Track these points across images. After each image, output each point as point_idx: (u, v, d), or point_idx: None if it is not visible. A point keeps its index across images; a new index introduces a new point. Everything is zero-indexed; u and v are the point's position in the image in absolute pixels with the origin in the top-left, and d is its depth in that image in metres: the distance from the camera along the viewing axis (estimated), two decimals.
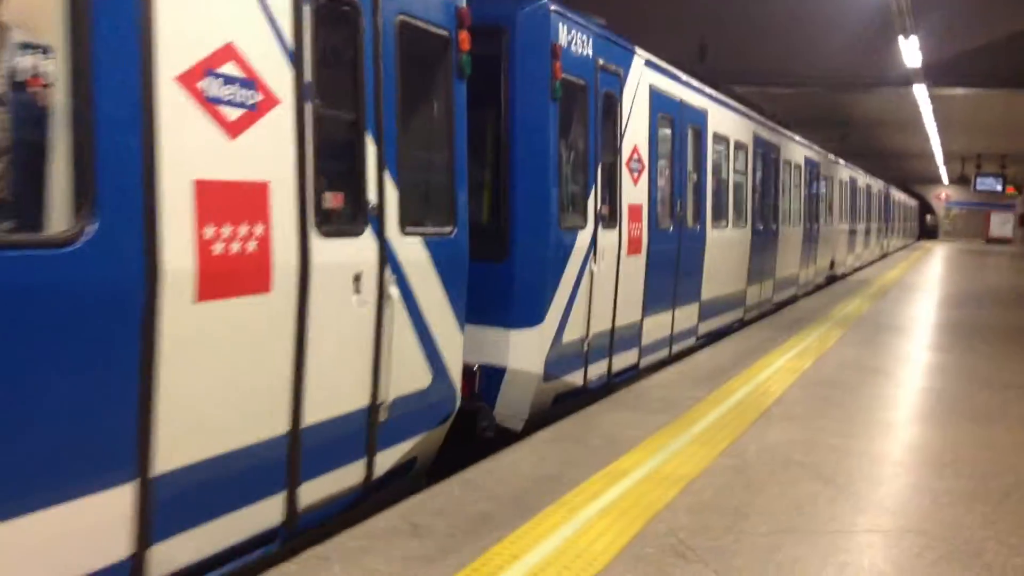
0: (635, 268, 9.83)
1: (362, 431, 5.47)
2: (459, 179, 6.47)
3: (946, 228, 74.67)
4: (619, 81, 9.28)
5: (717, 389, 9.46)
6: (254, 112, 4.48)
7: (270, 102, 4.58)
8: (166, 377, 4.00)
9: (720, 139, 13.36)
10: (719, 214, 13.44)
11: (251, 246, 4.43)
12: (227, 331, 4.33)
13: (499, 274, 7.67)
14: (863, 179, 32.08)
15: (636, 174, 9.78)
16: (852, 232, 29.25)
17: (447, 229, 6.33)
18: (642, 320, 10.20)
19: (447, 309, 6.31)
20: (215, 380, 4.29)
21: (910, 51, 20.10)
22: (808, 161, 20.80)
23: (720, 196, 13.56)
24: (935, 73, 22.46)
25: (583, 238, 8.42)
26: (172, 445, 4.07)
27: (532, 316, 7.77)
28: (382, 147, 5.46)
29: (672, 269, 11.15)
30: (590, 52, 8.56)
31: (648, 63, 10.12)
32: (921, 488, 6.59)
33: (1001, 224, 71.67)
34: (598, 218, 8.71)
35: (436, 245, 6.11)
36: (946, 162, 55.92)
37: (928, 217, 74.58)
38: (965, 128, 37.75)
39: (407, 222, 5.77)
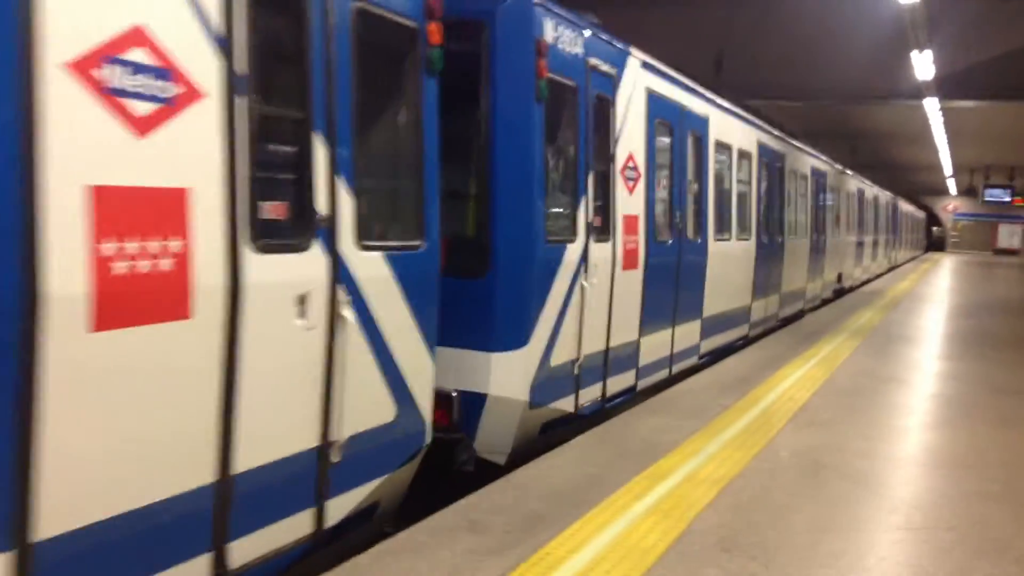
0: (631, 284, 9.15)
1: (309, 476, 4.77)
2: (429, 187, 5.81)
3: (953, 240, 73.89)
4: (613, 83, 8.62)
5: (743, 397, 9.71)
6: (170, 107, 3.81)
7: (191, 96, 3.92)
8: (52, 424, 3.32)
9: (723, 147, 12.69)
10: (722, 226, 12.77)
11: (165, 264, 3.76)
12: (133, 365, 3.65)
13: (479, 292, 7.00)
14: (871, 191, 31.39)
15: (631, 183, 9.10)
16: (860, 244, 28.56)
17: (415, 243, 5.67)
18: (639, 339, 9.52)
19: (414, 333, 5.64)
20: (118, 424, 3.61)
21: (923, 64, 19.59)
22: (815, 171, 20.11)
23: (723, 207, 12.89)
24: (947, 86, 21.97)
25: (572, 252, 7.74)
26: (58, 507, 3.38)
27: (515, 338, 7.09)
28: (334, 150, 4.79)
29: (672, 284, 10.47)
30: (580, 51, 7.89)
31: (645, 65, 9.46)
32: (948, 488, 6.85)
33: (1009, 236, 70.88)
34: (589, 230, 8.03)
35: (401, 261, 5.44)
36: (955, 173, 55.30)
37: (935, 229, 73.84)
38: (975, 140, 37.17)
39: (366, 235, 5.10)
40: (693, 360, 11.70)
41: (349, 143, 4.92)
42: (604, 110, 8.48)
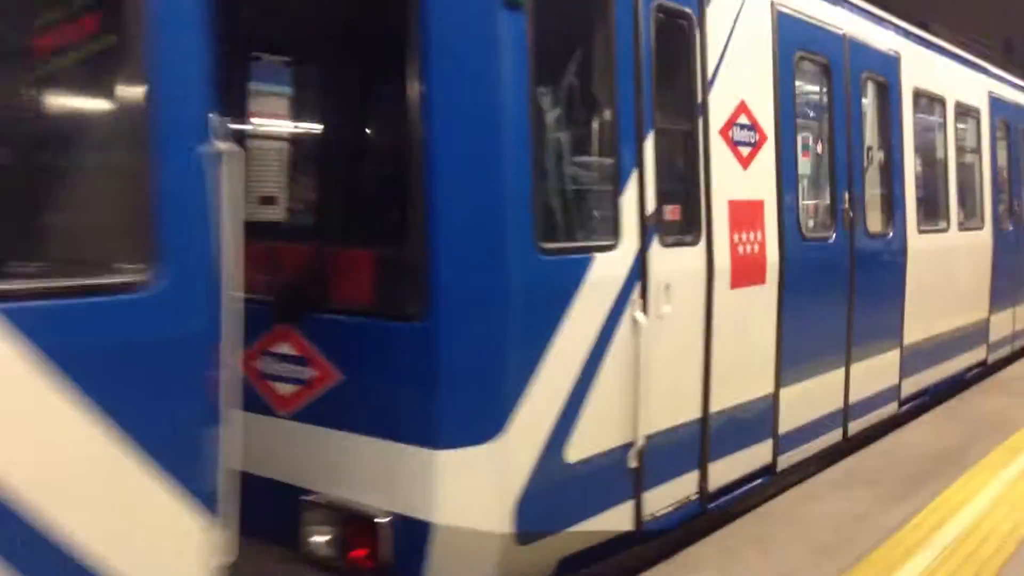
0: (751, 308, 5.82)
1: None
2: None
3: None
4: None
5: None
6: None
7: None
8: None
9: (928, 99, 8.93)
10: (933, 211, 9.01)
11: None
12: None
13: (413, 345, 4.02)
14: None
15: (746, 150, 5.79)
16: None
17: None
18: (776, 392, 6.15)
19: None
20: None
21: None
22: None
23: (934, 185, 9.13)
24: None
25: (608, 265, 4.59)
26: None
27: (481, 422, 4.05)
28: None
29: (838, 302, 6.97)
30: None
31: None
32: None
33: None
34: (649, 227, 4.84)
35: None
36: None
37: None
38: None
39: None
40: (891, 408, 8.07)
41: None
42: (678, 32, 5.24)
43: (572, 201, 4.56)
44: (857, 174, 7.25)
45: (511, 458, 4.08)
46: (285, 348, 4.37)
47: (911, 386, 8.42)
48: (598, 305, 4.52)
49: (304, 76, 5.18)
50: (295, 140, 5.37)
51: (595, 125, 4.69)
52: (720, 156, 5.50)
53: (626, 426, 4.74)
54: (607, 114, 4.68)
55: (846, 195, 7.03)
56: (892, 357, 7.99)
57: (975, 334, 10.19)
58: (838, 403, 7.07)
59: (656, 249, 4.90)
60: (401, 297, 4.04)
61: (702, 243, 5.31)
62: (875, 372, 7.65)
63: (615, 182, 4.67)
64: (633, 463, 4.81)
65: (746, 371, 5.83)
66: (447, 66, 3.94)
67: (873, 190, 7.78)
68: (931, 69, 8.95)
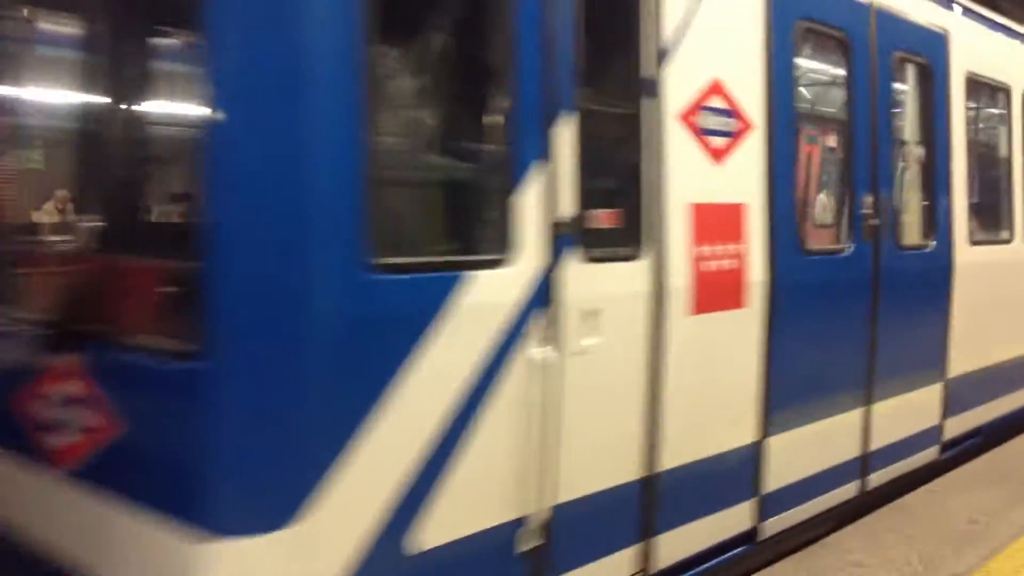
0: (724, 338, 4.64)
1: None
2: None
3: None
4: None
5: None
6: None
7: None
8: None
9: (987, 87, 7.56)
10: (992, 220, 7.64)
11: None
12: None
13: (186, 390, 2.99)
14: None
15: (719, 141, 4.61)
16: None
17: None
18: (762, 441, 4.96)
19: None
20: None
21: None
22: None
23: (994, 189, 7.75)
24: None
25: (490, 287, 3.48)
26: None
27: (273, 502, 2.99)
28: None
29: (853, 328, 5.72)
30: None
31: None
32: None
33: None
34: (560, 237, 3.72)
35: None
36: None
37: None
38: None
39: None
40: (929, 453, 6.75)
41: None
42: None
43: (433, 203, 3.48)
44: (884, 174, 5.97)
45: (317, 553, 3.01)
46: (65, 387, 3.39)
47: (957, 426, 7.08)
48: (473, 339, 3.42)
49: (73, 36, 4.18)
50: (63, 118, 4.40)
51: (477, 102, 3.58)
52: (679, 147, 4.34)
53: (519, 496, 3.63)
54: (497, 88, 3.57)
55: (868, 199, 5.77)
56: (932, 393, 6.68)
57: None
58: (853, 451, 5.82)
59: (574, 265, 3.78)
60: (178, 328, 3.02)
61: (647, 257, 4.16)
62: (907, 412, 6.35)
63: (506, 178, 3.55)
64: (530, 543, 3.70)
65: (715, 416, 4.65)
66: (231, 17, 2.89)
67: (910, 194, 6.49)
68: (990, 51, 7.57)
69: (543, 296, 3.66)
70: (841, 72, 5.71)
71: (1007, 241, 7.81)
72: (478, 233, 3.59)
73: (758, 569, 5.03)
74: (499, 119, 3.57)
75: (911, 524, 5.69)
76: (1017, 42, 8.21)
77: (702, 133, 4.50)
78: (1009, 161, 7.93)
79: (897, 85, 6.27)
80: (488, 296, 3.46)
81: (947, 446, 6.99)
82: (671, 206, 4.28)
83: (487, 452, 3.46)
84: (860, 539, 5.44)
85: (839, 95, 5.74)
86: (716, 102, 4.58)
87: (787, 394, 5.06)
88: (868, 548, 5.30)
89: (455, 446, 3.36)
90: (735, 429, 4.80)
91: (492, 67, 3.58)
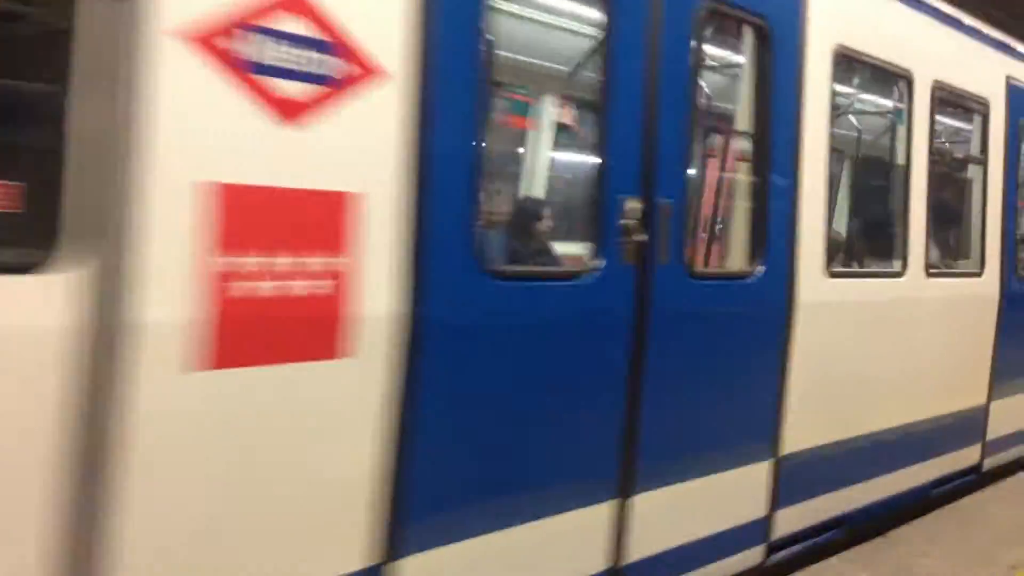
0: (289, 407, 2.87)
1: None
2: None
3: None
4: None
5: None
6: None
7: None
8: None
9: (865, 67, 5.80)
10: (866, 244, 5.95)
11: None
12: None
13: None
14: None
15: (289, 86, 2.83)
16: None
17: None
18: (384, 566, 3.17)
19: None
20: None
21: None
22: None
23: (869, 203, 6.02)
24: None
25: None
26: None
27: None
28: None
29: (588, 390, 3.93)
30: None
31: None
32: None
33: None
34: None
35: None
36: None
37: None
38: None
39: None
40: (746, 557, 4.95)
41: None
42: None
43: None
44: (671, 171, 4.16)
45: None
46: None
47: (795, 519, 5.27)
48: None
49: None
50: None
51: None
52: (182, 85, 2.58)
53: None
54: None
55: (632, 205, 3.96)
56: (749, 476, 4.89)
57: (953, 429, 6.91)
58: (595, 565, 4.03)
59: None
60: None
61: (73, 268, 2.40)
62: (700, 503, 4.56)
63: None
64: None
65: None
66: None
67: (731, 203, 4.72)
68: (882, 23, 5.76)
69: None
70: (593, 12, 3.92)
71: (897, 274, 6.01)
72: None
73: None
74: None
75: (965, 525, 6.26)
76: (933, 20, 6.41)
77: (249, 70, 2.72)
78: (906, 171, 6.11)
79: (707, 48, 4.48)
80: None
81: (777, 546, 5.19)
82: (155, 181, 2.51)
83: None
84: (921, 533, 5.98)
85: (580, 46, 3.95)
86: (288, 23, 2.81)
87: (439, 496, 3.28)
88: (929, 540, 5.84)
89: None
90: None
91: None
